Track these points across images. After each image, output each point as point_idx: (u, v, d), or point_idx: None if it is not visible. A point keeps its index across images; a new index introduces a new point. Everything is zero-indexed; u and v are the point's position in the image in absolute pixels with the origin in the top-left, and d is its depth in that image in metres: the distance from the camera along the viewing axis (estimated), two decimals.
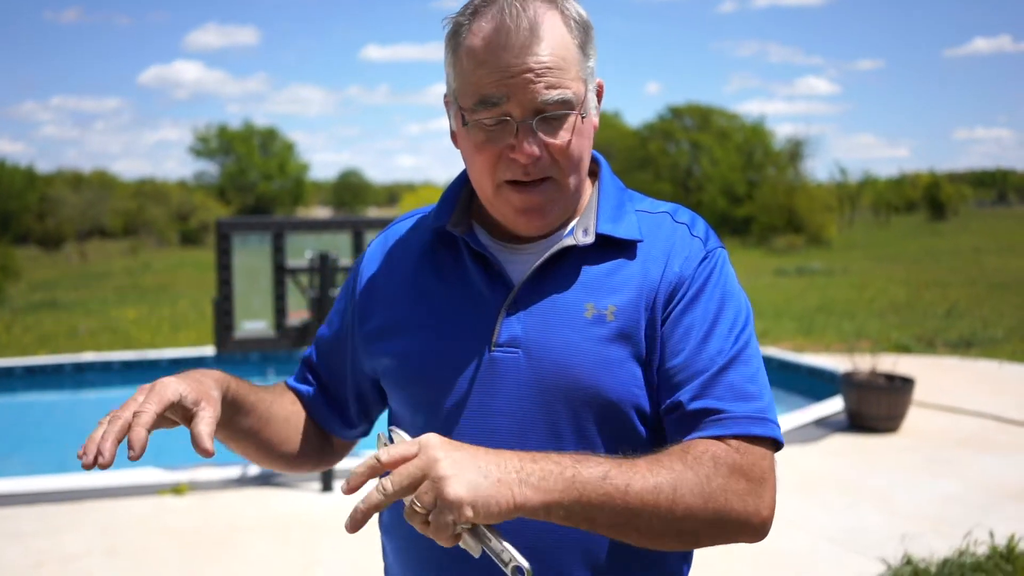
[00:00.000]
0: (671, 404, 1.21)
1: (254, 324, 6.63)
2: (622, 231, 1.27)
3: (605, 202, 1.30)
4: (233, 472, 5.93)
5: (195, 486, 5.73)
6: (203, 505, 5.45)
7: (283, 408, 1.41)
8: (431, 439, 1.04)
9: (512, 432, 1.23)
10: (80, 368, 10.40)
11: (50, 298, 19.05)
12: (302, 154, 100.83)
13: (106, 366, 10.39)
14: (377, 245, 1.43)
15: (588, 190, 1.34)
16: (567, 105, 1.19)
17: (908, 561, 4.29)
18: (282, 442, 1.40)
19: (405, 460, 1.03)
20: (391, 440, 1.12)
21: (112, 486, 5.72)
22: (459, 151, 1.29)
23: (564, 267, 1.27)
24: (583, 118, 1.22)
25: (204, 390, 1.17)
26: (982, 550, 4.42)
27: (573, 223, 1.30)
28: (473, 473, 1.01)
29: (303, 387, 1.47)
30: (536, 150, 1.19)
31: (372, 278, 1.39)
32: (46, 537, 4.93)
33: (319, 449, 1.47)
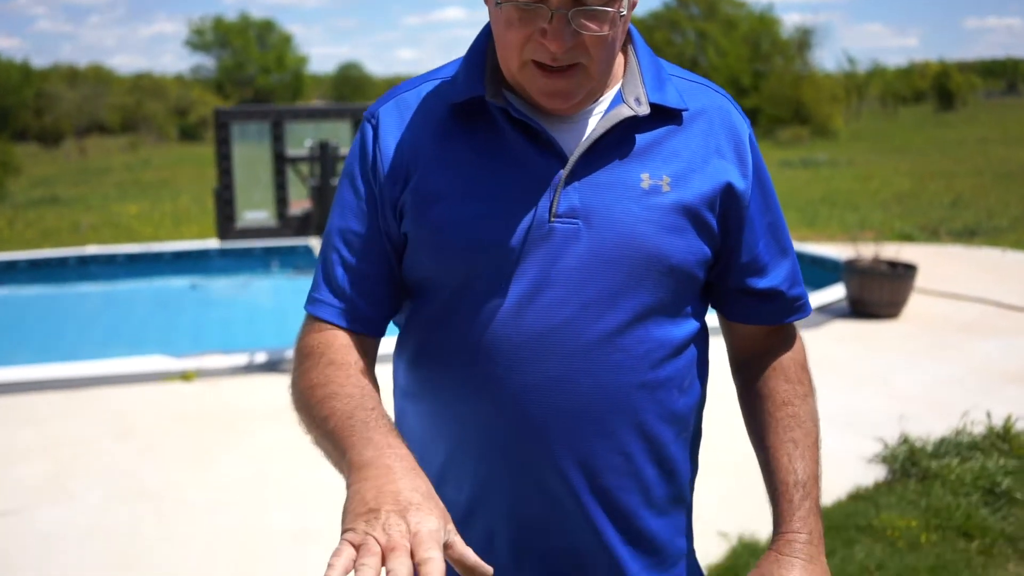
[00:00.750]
0: (768, 289, 1.35)
1: (256, 214, 6.62)
2: (671, 100, 1.25)
3: (647, 70, 1.27)
4: (240, 359, 6.01)
5: (203, 373, 5.81)
6: (211, 391, 5.54)
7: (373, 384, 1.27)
8: None
9: (571, 304, 1.21)
10: (84, 261, 10.43)
11: (51, 194, 18.98)
12: (300, 47, 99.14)
13: (110, 259, 10.42)
14: (391, 111, 1.30)
15: (620, 58, 1.29)
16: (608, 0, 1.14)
17: (905, 440, 4.37)
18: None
19: None
20: None
21: (122, 373, 5.80)
22: (487, 9, 1.22)
23: (616, 137, 1.24)
24: (622, 15, 1.16)
25: (437, 503, 0.99)
26: (979, 430, 4.49)
27: (615, 89, 1.27)
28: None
29: (348, 314, 1.30)
30: (568, 40, 1.13)
31: (394, 144, 1.27)
32: (59, 421, 5.02)
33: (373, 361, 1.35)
